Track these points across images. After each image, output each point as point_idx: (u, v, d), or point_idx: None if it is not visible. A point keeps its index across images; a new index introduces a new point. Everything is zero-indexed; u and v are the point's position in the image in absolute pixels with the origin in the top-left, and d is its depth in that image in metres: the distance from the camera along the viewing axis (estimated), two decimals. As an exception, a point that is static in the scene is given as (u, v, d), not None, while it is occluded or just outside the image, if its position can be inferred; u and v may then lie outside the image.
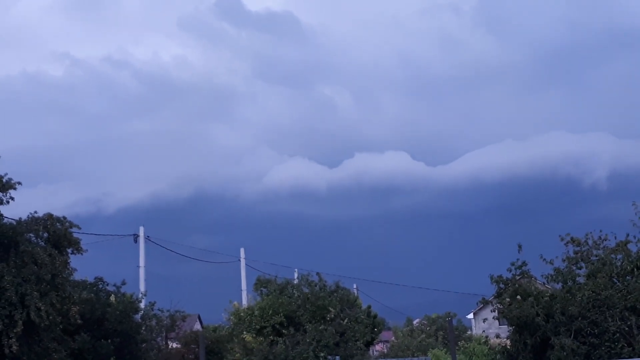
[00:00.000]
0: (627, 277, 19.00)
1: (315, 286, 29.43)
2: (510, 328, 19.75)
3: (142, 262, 36.53)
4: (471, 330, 68.54)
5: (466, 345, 38.25)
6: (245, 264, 46.58)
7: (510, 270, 20.30)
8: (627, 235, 19.86)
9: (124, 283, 24.96)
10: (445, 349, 40.75)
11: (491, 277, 20.45)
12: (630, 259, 19.18)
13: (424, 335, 63.11)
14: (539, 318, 18.41)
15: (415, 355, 46.51)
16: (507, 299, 19.84)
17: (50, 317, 17.69)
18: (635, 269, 18.84)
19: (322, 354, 23.82)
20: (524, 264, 20.24)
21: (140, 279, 36.09)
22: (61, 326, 19.25)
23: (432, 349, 44.06)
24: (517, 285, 19.97)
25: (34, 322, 17.35)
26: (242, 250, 47.66)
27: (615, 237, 20.26)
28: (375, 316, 38.50)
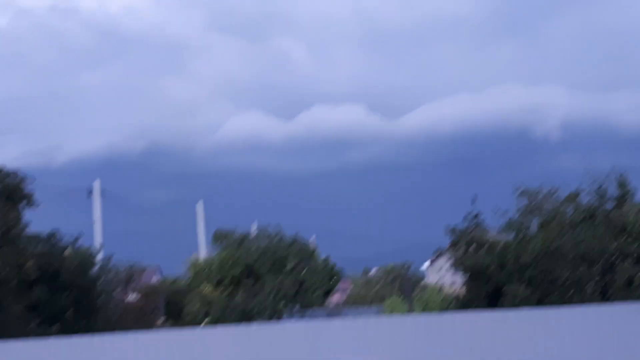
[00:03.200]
0: (578, 227, 19.44)
1: (274, 238, 29.52)
2: (465, 277, 20.17)
3: (97, 216, 36.21)
4: (426, 279, 69.78)
5: (421, 294, 39.03)
6: (204, 217, 46.51)
7: (465, 222, 20.62)
8: (578, 187, 20.28)
9: (79, 236, 24.68)
10: (401, 298, 41.51)
11: (446, 228, 20.78)
12: (580, 210, 19.63)
13: (380, 285, 64.15)
14: (493, 267, 18.84)
15: (372, 304, 47.32)
16: (462, 249, 20.22)
17: (6, 270, 17.50)
18: (585, 219, 19.30)
19: (281, 304, 24.11)
20: (478, 215, 20.58)
21: (96, 233, 35.82)
22: (17, 279, 19.06)
23: (389, 298, 44.82)
24: (471, 236, 20.34)
25: (-12, 276, 17.16)
26: (199, 204, 47.52)
27: (567, 189, 20.68)
28: (333, 267, 38.86)
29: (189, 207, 48.84)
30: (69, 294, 21.94)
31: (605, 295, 17.73)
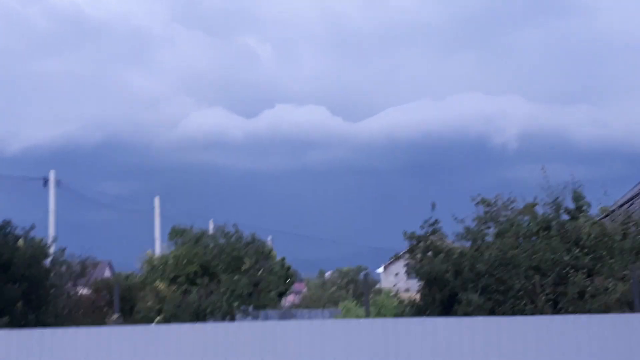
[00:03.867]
0: (533, 238, 19.73)
1: (231, 237, 29.37)
2: (420, 283, 20.31)
3: (52, 207, 35.67)
4: (380, 283, 70.22)
5: (376, 298, 39.19)
6: (160, 213, 46.08)
7: (423, 228, 20.78)
8: (535, 197, 20.60)
9: (32, 227, 24.29)
10: (355, 301, 41.64)
11: (404, 233, 20.90)
12: (536, 221, 19.92)
13: (335, 288, 64.39)
14: (448, 274, 19.01)
15: (327, 306, 47.46)
16: (419, 255, 20.37)
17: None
18: (540, 230, 19.60)
19: (235, 304, 24.00)
20: (437, 222, 20.76)
21: (50, 224, 35.28)
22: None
23: (343, 300, 44.95)
24: (429, 242, 20.50)
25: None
26: (156, 199, 47.11)
27: (524, 199, 20.99)
28: (288, 268, 38.85)
29: (146, 201, 48.38)
30: (20, 285, 21.58)
31: (556, 306, 18.01)
